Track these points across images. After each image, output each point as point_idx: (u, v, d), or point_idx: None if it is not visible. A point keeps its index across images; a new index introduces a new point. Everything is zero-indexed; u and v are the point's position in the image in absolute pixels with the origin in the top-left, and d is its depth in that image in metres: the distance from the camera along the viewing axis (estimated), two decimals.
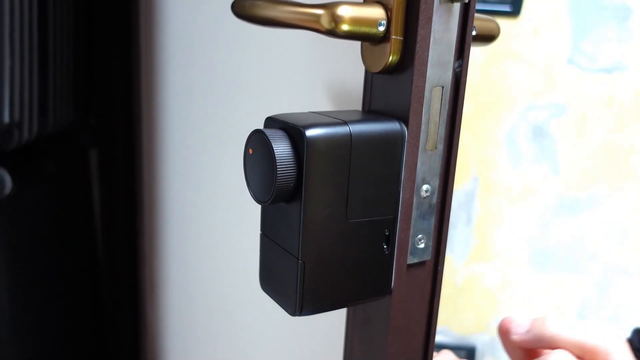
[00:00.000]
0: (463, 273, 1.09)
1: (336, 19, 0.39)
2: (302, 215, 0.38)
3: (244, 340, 0.81)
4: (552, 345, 0.45)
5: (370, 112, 0.44)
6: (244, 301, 0.80)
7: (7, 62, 0.75)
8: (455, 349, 1.12)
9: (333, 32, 0.40)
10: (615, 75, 0.95)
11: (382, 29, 0.40)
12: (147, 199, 0.89)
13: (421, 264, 0.44)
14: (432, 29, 0.40)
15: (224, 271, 0.82)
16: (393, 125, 0.40)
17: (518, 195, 1.03)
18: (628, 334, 0.75)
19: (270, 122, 0.41)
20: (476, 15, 0.45)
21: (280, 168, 0.37)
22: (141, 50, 0.86)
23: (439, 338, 1.12)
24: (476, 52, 0.96)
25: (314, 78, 0.62)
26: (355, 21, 0.39)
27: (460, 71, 0.42)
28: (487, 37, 0.48)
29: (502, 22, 0.95)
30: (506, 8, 0.94)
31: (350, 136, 0.38)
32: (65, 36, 0.84)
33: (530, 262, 1.06)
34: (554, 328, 0.46)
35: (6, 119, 0.76)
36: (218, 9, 0.74)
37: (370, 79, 0.44)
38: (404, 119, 0.41)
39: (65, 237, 0.91)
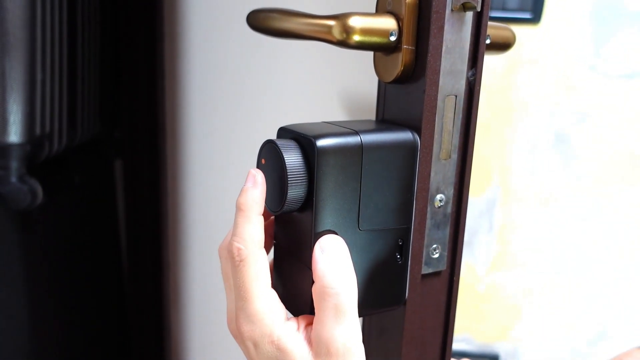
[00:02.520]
0: (485, 281, 1.06)
1: (347, 30, 0.38)
2: (313, 224, 0.37)
3: None
4: None
5: (383, 121, 0.43)
6: None
7: (39, 76, 0.76)
8: (477, 357, 1.09)
9: (344, 43, 0.39)
10: (637, 81, 0.92)
11: (393, 38, 0.39)
12: (170, 208, 0.89)
13: (436, 274, 0.43)
14: (444, 38, 0.39)
15: None
16: (405, 135, 0.39)
17: (540, 202, 1.00)
18: None
19: (283, 132, 0.40)
20: (490, 23, 0.44)
21: (291, 178, 0.36)
22: (165, 64, 0.87)
23: (461, 346, 1.09)
24: (496, 60, 0.94)
25: (331, 88, 0.61)
26: (366, 32, 0.39)
27: (474, 80, 0.41)
28: (502, 46, 0.46)
29: (523, 29, 0.93)
30: (526, 15, 0.92)
31: (361, 146, 0.37)
32: (93, 51, 0.85)
33: (552, 270, 1.04)
34: None
35: (37, 131, 0.78)
36: (239, 25, 0.74)
37: (383, 88, 0.44)
38: (416, 128, 0.40)
39: (91, 245, 0.91)
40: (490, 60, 0.94)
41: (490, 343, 1.08)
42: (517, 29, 0.92)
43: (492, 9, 0.92)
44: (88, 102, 0.85)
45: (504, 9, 0.91)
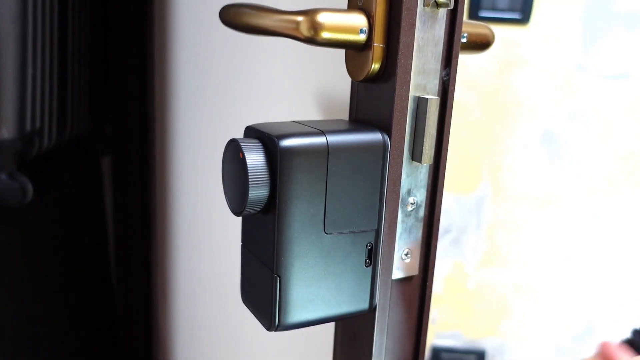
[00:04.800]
0: (474, 278, 1.04)
1: (316, 26, 0.36)
2: (276, 227, 0.35)
3: (241, 348, 0.78)
4: None
5: (355, 121, 0.41)
6: (245, 311, 0.77)
7: (29, 72, 0.74)
8: (464, 353, 1.07)
9: (312, 40, 0.36)
10: (625, 81, 0.89)
11: (363, 36, 0.36)
12: (159, 205, 0.87)
13: (408, 279, 0.40)
14: (415, 35, 0.36)
15: (231, 278, 0.79)
16: (374, 136, 0.36)
17: (529, 200, 0.97)
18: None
19: (249, 131, 0.38)
20: (467, 21, 0.41)
21: (252, 178, 0.34)
22: (155, 60, 0.84)
23: (449, 342, 1.07)
24: (487, 59, 0.91)
25: (314, 86, 0.59)
26: (335, 28, 0.36)
27: (448, 80, 0.38)
28: (480, 45, 0.43)
29: (512, 30, 0.90)
30: (516, 15, 0.89)
31: (327, 146, 0.35)
32: (84, 47, 0.82)
33: (542, 269, 1.01)
34: None
35: (28, 126, 0.75)
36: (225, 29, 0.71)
37: (355, 87, 0.41)
38: (386, 129, 0.37)
39: (80, 242, 0.89)
40: (480, 60, 0.91)
41: (477, 339, 1.06)
42: (506, 29, 0.90)
43: (481, 8, 0.89)
44: (78, 97, 0.82)
45: (493, 8, 0.88)
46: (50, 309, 0.82)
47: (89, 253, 0.91)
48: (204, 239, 0.82)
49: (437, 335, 1.06)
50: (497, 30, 0.90)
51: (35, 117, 0.76)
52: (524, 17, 0.88)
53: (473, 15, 0.88)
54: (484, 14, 0.88)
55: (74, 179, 0.87)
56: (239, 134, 0.39)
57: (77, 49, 0.80)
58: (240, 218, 0.65)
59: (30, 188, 0.75)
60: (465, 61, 0.90)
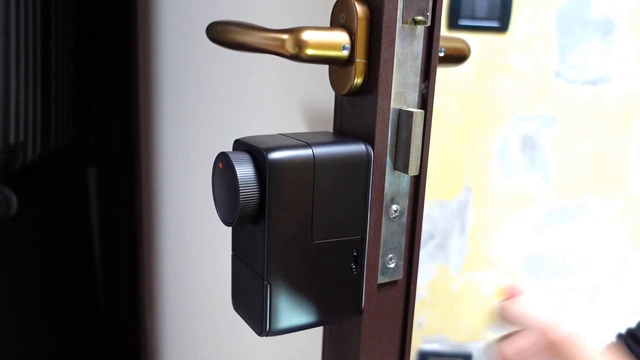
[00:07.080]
0: (458, 282, 1.06)
1: (300, 44, 0.38)
2: (266, 236, 0.37)
3: (230, 352, 0.79)
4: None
5: (339, 133, 0.43)
6: (233, 317, 0.78)
7: (13, 84, 0.75)
8: (451, 357, 1.09)
9: (297, 57, 0.38)
10: (600, 87, 0.93)
11: (346, 52, 0.39)
12: (145, 215, 0.88)
13: (392, 283, 0.43)
14: (395, 51, 0.38)
15: (217, 285, 0.81)
16: (358, 147, 0.39)
17: (510, 204, 1.00)
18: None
19: (237, 144, 0.40)
20: (444, 36, 0.44)
21: (242, 190, 0.36)
22: (139, 70, 0.85)
23: (435, 346, 1.09)
24: (466, 67, 0.94)
25: (296, 100, 0.61)
26: (318, 45, 0.38)
27: (427, 92, 0.41)
28: (457, 58, 0.46)
29: (491, 38, 0.93)
30: (494, 24, 0.92)
31: (313, 158, 0.37)
32: (67, 57, 0.84)
33: (524, 270, 1.04)
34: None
35: (12, 140, 0.76)
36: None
37: (339, 100, 0.43)
38: (369, 141, 0.39)
39: (65, 255, 0.90)
40: (461, 67, 0.94)
41: (463, 343, 1.09)
42: (485, 37, 0.93)
43: (461, 17, 0.92)
44: (62, 109, 0.83)
45: (472, 17, 0.92)
46: (36, 320, 0.83)
47: (75, 264, 0.91)
48: (191, 247, 0.83)
49: (423, 339, 1.08)
50: (477, 38, 0.93)
51: (19, 129, 0.77)
52: (503, 25, 0.92)
53: (453, 24, 0.91)
54: (463, 22, 0.92)
55: (59, 190, 0.88)
56: (225, 145, 0.41)
57: (60, 60, 0.82)
58: (226, 227, 0.67)
59: (14, 200, 0.76)
60: (446, 68, 0.93)
